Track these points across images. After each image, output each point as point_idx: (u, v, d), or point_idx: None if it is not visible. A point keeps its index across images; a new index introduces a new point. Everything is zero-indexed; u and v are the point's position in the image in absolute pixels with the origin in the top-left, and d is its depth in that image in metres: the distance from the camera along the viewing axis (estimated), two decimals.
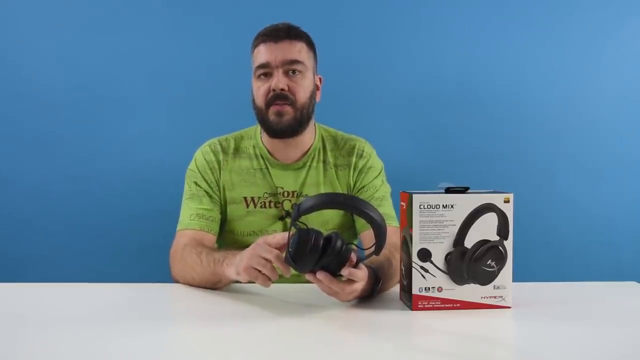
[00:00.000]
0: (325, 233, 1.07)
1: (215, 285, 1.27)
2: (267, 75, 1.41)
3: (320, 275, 1.06)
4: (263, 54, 1.41)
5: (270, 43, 1.41)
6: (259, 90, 1.42)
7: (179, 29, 2.02)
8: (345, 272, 1.05)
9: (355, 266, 1.08)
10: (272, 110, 1.41)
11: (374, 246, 1.09)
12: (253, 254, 1.11)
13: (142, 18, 2.00)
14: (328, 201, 1.10)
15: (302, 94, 1.42)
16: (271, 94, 1.40)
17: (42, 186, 2.01)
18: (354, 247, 1.10)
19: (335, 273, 1.07)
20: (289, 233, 1.07)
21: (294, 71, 1.41)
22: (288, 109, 1.41)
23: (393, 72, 2.04)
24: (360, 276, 1.08)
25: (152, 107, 2.02)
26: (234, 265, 1.16)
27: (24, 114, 2.00)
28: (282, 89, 1.39)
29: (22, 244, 2.02)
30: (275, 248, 1.10)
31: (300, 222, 1.07)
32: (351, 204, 1.07)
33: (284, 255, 1.08)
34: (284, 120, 1.41)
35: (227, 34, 2.01)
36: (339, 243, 1.05)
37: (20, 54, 1.99)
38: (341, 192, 1.49)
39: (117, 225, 2.02)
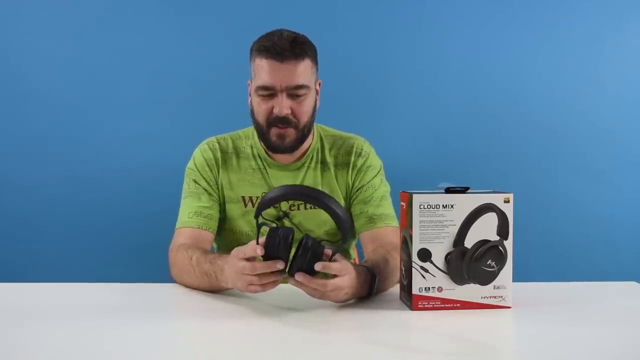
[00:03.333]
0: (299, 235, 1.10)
1: (214, 292, 1.28)
2: (270, 95, 1.37)
3: (299, 276, 1.06)
4: (266, 74, 1.35)
5: (274, 62, 1.34)
6: (260, 107, 1.39)
7: (179, 29, 2.02)
8: (318, 266, 1.05)
9: (330, 260, 1.08)
10: (274, 132, 1.39)
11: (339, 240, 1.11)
12: (238, 275, 1.10)
13: (142, 18, 2.00)
14: (293, 192, 1.12)
15: (305, 116, 1.40)
16: (274, 116, 1.37)
17: (42, 186, 2.01)
18: (326, 243, 1.11)
19: (314, 273, 1.07)
20: (258, 230, 1.08)
21: (298, 94, 1.37)
22: (290, 132, 1.39)
23: (393, 72, 2.04)
24: (336, 268, 1.07)
25: (152, 107, 2.02)
26: (230, 282, 1.16)
27: (23, 114, 2.00)
28: (286, 114, 1.37)
29: (22, 244, 2.02)
30: (249, 254, 1.09)
31: (269, 220, 1.10)
32: (314, 197, 1.08)
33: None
34: (286, 142, 1.40)
35: (228, 34, 2.01)
36: (309, 242, 1.06)
37: (21, 54, 1.99)
38: (339, 192, 1.48)
39: (117, 225, 2.02)
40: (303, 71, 1.36)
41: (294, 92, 1.36)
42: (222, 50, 2.01)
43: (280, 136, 1.39)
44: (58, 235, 2.02)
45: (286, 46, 1.34)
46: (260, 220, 1.09)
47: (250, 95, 1.45)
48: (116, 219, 2.02)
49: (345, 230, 1.09)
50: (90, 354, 0.90)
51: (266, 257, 1.06)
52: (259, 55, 1.37)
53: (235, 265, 1.10)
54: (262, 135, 1.42)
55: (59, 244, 2.02)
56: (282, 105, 1.36)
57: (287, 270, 1.07)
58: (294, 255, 1.06)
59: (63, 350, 0.91)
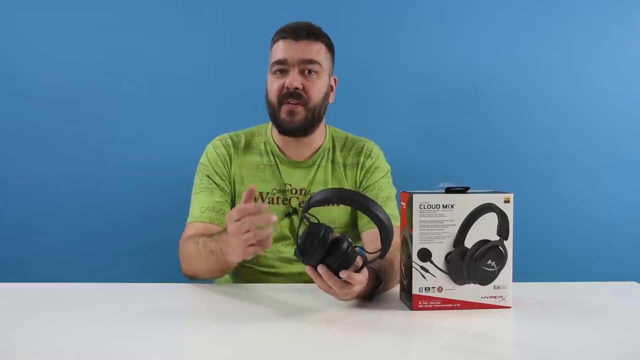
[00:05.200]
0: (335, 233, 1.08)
1: (224, 272, 1.31)
2: (283, 72, 1.42)
3: (321, 269, 1.06)
4: (281, 50, 1.42)
5: (289, 41, 1.42)
6: (273, 85, 1.43)
7: (182, 28, 2.01)
8: (344, 274, 1.05)
9: (359, 271, 1.08)
10: (285, 108, 1.42)
11: (379, 251, 1.09)
12: (237, 238, 1.10)
13: (144, 17, 2.00)
14: (340, 196, 1.12)
15: (316, 95, 1.43)
16: (285, 91, 1.41)
17: (42, 186, 2.01)
18: (359, 251, 1.10)
19: (337, 274, 1.07)
20: (299, 226, 1.09)
21: (309, 71, 1.42)
22: (300, 109, 1.42)
23: (393, 71, 2.04)
24: (359, 280, 1.07)
25: (153, 107, 2.02)
26: (233, 253, 1.16)
27: (24, 114, 2.00)
28: (297, 88, 1.40)
29: (22, 244, 2.01)
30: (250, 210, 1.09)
31: (312, 215, 1.09)
32: (362, 203, 1.08)
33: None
34: (295, 119, 1.42)
35: (229, 34, 2.01)
36: (345, 244, 1.06)
37: (21, 54, 1.99)
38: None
39: (117, 225, 2.02)
40: (316, 50, 1.43)
41: (306, 67, 1.41)
42: (224, 50, 2.01)
43: (290, 112, 1.42)
44: (58, 235, 2.02)
45: (302, 28, 1.43)
46: (304, 215, 1.09)
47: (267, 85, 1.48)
48: (116, 219, 2.02)
49: (387, 243, 1.08)
50: (90, 354, 0.90)
51: (301, 251, 1.06)
52: (276, 39, 1.45)
53: (231, 227, 1.10)
54: (274, 115, 1.45)
55: (59, 244, 2.02)
56: (294, 78, 1.40)
57: (309, 261, 1.07)
58: (326, 251, 1.06)
59: (63, 351, 0.91)
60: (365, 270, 1.10)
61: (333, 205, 1.47)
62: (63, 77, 2.00)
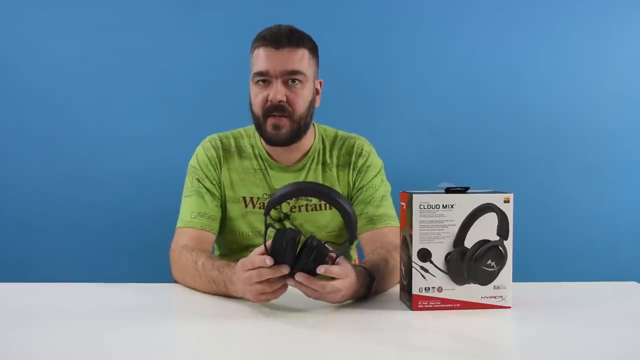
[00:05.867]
0: (305, 236, 1.09)
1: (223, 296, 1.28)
2: (266, 82, 1.37)
3: (299, 276, 1.05)
4: (262, 60, 1.36)
5: (270, 49, 1.35)
6: (257, 97, 1.39)
7: (180, 28, 2.02)
8: (320, 269, 1.05)
9: (334, 263, 1.08)
10: (270, 122, 1.38)
11: (347, 241, 1.11)
12: (250, 288, 1.09)
13: (142, 18, 2.01)
14: (301, 189, 1.12)
15: (301, 105, 1.38)
16: (269, 104, 1.37)
17: (42, 186, 2.01)
18: (330, 245, 1.10)
19: (315, 274, 1.07)
20: (265, 231, 1.08)
21: (293, 80, 1.37)
22: (285, 122, 1.38)
23: (393, 72, 2.05)
24: (337, 272, 1.07)
25: (152, 107, 2.02)
26: (239, 293, 1.15)
27: (24, 114, 2.00)
28: (280, 101, 1.36)
29: (22, 244, 2.02)
30: (257, 264, 1.08)
31: (278, 223, 1.08)
32: (324, 192, 1.08)
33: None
34: (281, 133, 1.38)
35: (228, 33, 2.01)
36: (314, 242, 1.06)
37: (21, 54, 1.99)
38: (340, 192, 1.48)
39: (117, 225, 2.02)
40: (299, 59, 1.37)
41: (289, 78, 1.36)
42: (222, 50, 2.02)
43: (275, 126, 1.38)
44: (58, 235, 2.02)
45: (282, 34, 1.36)
46: (268, 221, 1.09)
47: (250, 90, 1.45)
48: (116, 219, 2.02)
49: (353, 228, 1.09)
50: (90, 355, 0.90)
51: (272, 256, 1.06)
52: (257, 46, 1.39)
53: (242, 277, 1.10)
54: (259, 127, 1.42)
55: (59, 244, 2.02)
56: (277, 91, 1.35)
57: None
58: (297, 255, 1.06)
59: (63, 351, 0.91)
60: (344, 263, 1.09)
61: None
62: (63, 77, 2.00)
